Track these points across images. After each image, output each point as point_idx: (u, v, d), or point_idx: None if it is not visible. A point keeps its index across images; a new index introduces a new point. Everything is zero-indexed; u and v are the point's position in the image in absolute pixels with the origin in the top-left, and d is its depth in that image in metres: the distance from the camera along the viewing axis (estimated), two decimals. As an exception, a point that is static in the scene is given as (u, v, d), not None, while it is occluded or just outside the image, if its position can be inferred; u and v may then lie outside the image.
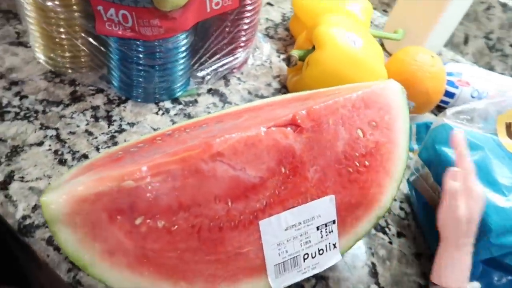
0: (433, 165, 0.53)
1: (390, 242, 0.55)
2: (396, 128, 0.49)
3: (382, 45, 0.86)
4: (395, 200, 0.61)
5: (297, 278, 0.44)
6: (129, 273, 0.36)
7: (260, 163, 0.41)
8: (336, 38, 0.60)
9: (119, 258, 0.35)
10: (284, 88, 0.71)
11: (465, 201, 0.44)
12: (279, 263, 0.43)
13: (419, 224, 0.58)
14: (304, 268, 0.45)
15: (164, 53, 0.58)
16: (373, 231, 0.56)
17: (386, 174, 0.48)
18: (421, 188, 0.56)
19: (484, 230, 0.44)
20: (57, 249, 0.47)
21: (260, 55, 0.75)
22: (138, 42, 0.56)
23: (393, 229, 0.57)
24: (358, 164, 0.46)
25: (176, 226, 0.37)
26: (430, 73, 0.66)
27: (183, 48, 0.60)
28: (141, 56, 0.58)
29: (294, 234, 0.43)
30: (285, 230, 0.42)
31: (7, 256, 0.73)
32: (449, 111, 0.54)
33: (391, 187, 0.49)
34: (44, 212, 0.33)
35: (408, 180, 0.59)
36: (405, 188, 0.62)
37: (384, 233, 0.56)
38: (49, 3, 0.55)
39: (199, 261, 0.39)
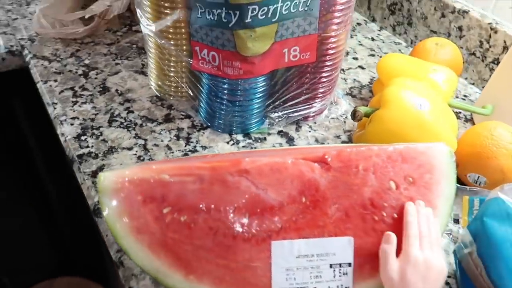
0: (479, 238, 0.50)
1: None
2: (437, 190, 0.49)
3: (471, 119, 0.83)
4: (441, 272, 0.57)
5: (302, 309, 0.46)
6: (150, 253, 0.43)
7: (282, 188, 0.45)
8: (400, 98, 0.62)
9: (144, 237, 0.42)
10: (351, 142, 0.74)
11: (400, 264, 0.43)
12: (285, 288, 0.45)
13: (463, 303, 0.54)
14: (311, 302, 0.46)
15: (242, 91, 0.67)
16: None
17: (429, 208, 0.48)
18: (467, 266, 0.53)
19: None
20: (115, 231, 0.56)
21: (336, 109, 0.80)
22: (223, 80, 0.67)
23: (429, 300, 0.54)
24: (385, 215, 0.47)
25: (195, 224, 0.43)
26: (507, 150, 0.63)
27: (260, 90, 0.68)
28: (224, 92, 0.68)
29: (305, 264, 0.45)
30: (297, 257, 0.45)
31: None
32: (507, 186, 0.51)
33: (423, 248, 0.48)
34: (98, 185, 0.42)
35: (454, 252, 0.56)
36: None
37: (419, 301, 0.53)
38: (163, 41, 0.69)
39: (210, 261, 0.44)
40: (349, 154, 0.47)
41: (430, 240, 0.45)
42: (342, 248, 0.46)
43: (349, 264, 0.46)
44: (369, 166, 0.47)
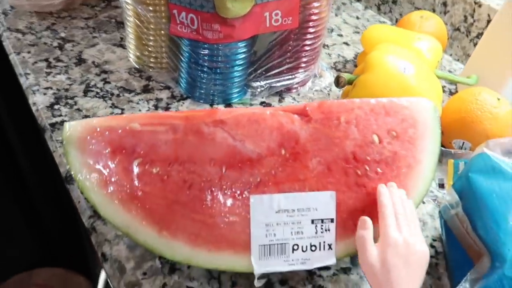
0: (464, 195, 0.49)
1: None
2: (421, 145, 0.48)
3: (456, 92, 0.82)
4: (426, 236, 0.56)
5: (283, 267, 0.44)
6: (119, 207, 0.40)
7: (260, 139, 0.43)
8: (384, 62, 0.61)
9: (113, 190, 0.40)
10: (335, 112, 0.72)
11: (379, 249, 0.40)
12: (264, 245, 0.43)
13: (448, 266, 0.52)
14: (292, 260, 0.44)
15: (223, 57, 0.65)
16: (392, 260, 0.52)
17: (402, 189, 0.46)
18: (453, 225, 0.51)
19: (497, 261, 0.39)
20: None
21: (320, 82, 0.78)
22: (203, 45, 0.64)
23: (414, 262, 0.52)
24: (368, 169, 0.45)
25: (169, 176, 0.41)
26: (492, 114, 0.62)
27: (241, 56, 0.66)
28: (205, 58, 0.66)
29: (285, 219, 0.43)
30: (276, 212, 0.43)
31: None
32: (492, 142, 0.50)
33: (407, 205, 0.46)
34: (62, 134, 0.39)
35: (439, 213, 0.54)
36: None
37: (404, 264, 0.52)
38: (141, 7, 0.67)
39: (185, 216, 0.41)
40: (330, 105, 0.45)
41: (407, 219, 0.42)
42: (324, 203, 0.44)
43: (332, 220, 0.44)
44: (351, 118, 0.45)
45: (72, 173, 0.40)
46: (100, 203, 0.40)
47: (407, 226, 0.41)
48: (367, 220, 0.42)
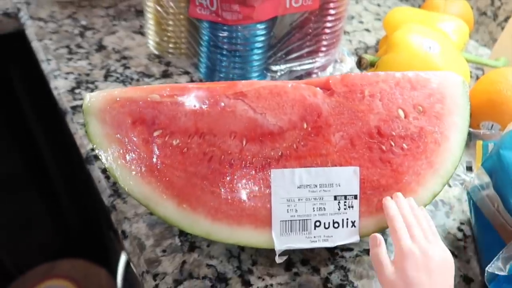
0: (495, 173, 0.46)
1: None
2: (449, 121, 0.46)
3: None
4: (453, 220, 0.54)
5: (305, 244, 0.43)
6: (139, 178, 0.40)
7: (282, 113, 0.42)
8: (408, 40, 0.59)
9: (133, 162, 0.39)
10: (357, 96, 0.70)
11: (398, 264, 0.37)
12: (286, 220, 0.42)
13: (478, 248, 0.50)
14: (314, 237, 0.43)
15: (242, 39, 0.64)
16: (417, 242, 0.50)
17: (429, 166, 0.44)
18: (483, 205, 0.49)
19: None
20: (107, 177, 0.53)
21: (341, 67, 0.77)
22: (223, 27, 0.64)
23: (441, 245, 0.50)
24: (393, 144, 0.44)
25: (189, 149, 0.40)
26: (523, 94, 0.59)
27: (260, 39, 0.65)
28: (224, 41, 0.65)
29: (307, 195, 0.42)
30: (298, 187, 0.42)
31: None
32: (525, 118, 0.48)
33: (434, 182, 0.45)
34: (83, 104, 0.39)
35: (468, 194, 0.52)
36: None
37: (430, 247, 0.50)
38: (161, -8, 0.67)
39: (205, 189, 0.41)
40: (354, 78, 0.44)
41: (421, 228, 0.39)
42: (347, 178, 0.42)
43: (355, 197, 0.43)
44: (376, 92, 0.44)
45: (92, 145, 0.39)
46: (120, 174, 0.39)
47: (421, 235, 0.38)
48: (378, 236, 0.40)
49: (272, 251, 0.43)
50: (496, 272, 0.39)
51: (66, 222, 1.32)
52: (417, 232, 0.39)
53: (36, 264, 1.30)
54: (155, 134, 0.40)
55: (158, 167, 0.40)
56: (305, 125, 0.42)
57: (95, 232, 1.27)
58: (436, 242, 0.39)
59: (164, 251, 0.46)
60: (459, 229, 0.53)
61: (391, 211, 0.41)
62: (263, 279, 0.44)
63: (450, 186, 0.58)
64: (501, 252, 0.41)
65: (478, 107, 0.62)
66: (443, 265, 0.37)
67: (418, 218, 0.40)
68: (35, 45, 0.76)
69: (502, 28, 0.86)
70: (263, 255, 0.46)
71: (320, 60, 0.72)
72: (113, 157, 0.39)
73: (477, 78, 0.80)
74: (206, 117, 0.41)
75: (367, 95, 0.44)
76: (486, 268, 0.39)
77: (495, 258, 0.40)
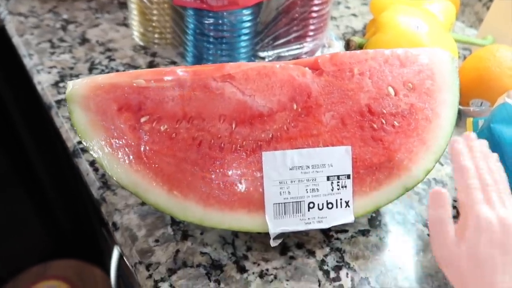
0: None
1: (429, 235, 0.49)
2: (440, 98, 0.45)
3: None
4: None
5: (300, 226, 0.42)
6: (127, 166, 0.39)
7: (271, 94, 0.41)
8: (396, 20, 0.59)
9: (121, 149, 0.38)
10: (346, 79, 0.70)
11: (465, 236, 0.31)
12: (279, 203, 0.41)
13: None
14: (308, 218, 0.42)
15: (228, 26, 0.63)
16: (412, 221, 0.50)
17: (421, 143, 0.44)
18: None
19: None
20: (96, 169, 0.52)
21: (329, 51, 0.76)
22: (208, 14, 0.63)
23: (435, 223, 0.50)
24: (384, 122, 0.43)
25: (177, 134, 0.39)
26: (511, 70, 0.59)
27: (247, 25, 0.64)
28: (210, 28, 0.64)
29: (299, 176, 0.41)
30: (290, 169, 0.41)
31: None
32: (514, 92, 0.47)
33: (427, 159, 0.44)
34: (66, 92, 0.38)
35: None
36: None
37: (425, 225, 0.50)
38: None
39: (195, 175, 0.40)
40: (342, 57, 0.43)
41: (497, 187, 0.31)
42: (340, 158, 0.42)
43: (348, 176, 0.42)
44: (365, 70, 0.43)
45: (78, 134, 0.38)
46: (107, 163, 0.38)
47: (500, 202, 0.31)
48: (443, 194, 0.33)
49: (266, 236, 0.43)
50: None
51: (56, 222, 1.31)
52: (494, 194, 0.31)
53: (28, 266, 1.29)
54: (142, 120, 0.39)
55: (147, 153, 0.39)
56: (295, 106, 0.42)
57: (86, 231, 1.26)
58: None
59: (156, 241, 0.45)
60: (453, 206, 0.53)
61: (464, 162, 0.33)
62: (259, 264, 0.44)
63: (442, 164, 0.58)
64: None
65: (467, 84, 0.62)
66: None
67: (493, 173, 0.33)
68: (16, 40, 0.74)
69: (488, 8, 0.86)
70: (258, 241, 0.46)
71: (307, 45, 0.72)
72: (99, 146, 0.38)
73: (465, 58, 0.79)
74: (193, 101, 0.40)
75: (356, 74, 0.43)
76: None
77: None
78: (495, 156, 0.35)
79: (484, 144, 0.35)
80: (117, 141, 0.38)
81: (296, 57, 0.72)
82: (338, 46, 0.78)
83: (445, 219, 0.32)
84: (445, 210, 0.33)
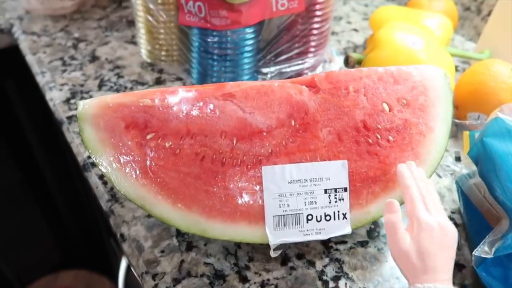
0: (481, 160, 0.48)
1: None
2: (433, 113, 0.47)
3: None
4: (445, 209, 0.55)
5: (298, 238, 0.44)
6: (134, 181, 0.41)
7: (270, 111, 0.44)
8: (392, 37, 0.61)
9: (128, 165, 0.41)
10: (346, 94, 0.72)
11: (414, 234, 0.38)
12: (279, 215, 0.43)
13: (468, 235, 0.51)
14: (307, 230, 0.44)
15: (231, 44, 0.66)
16: (409, 232, 0.52)
17: (414, 157, 0.46)
18: (470, 193, 0.50)
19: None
20: (105, 183, 0.55)
21: (331, 67, 0.78)
22: (212, 33, 0.65)
23: (432, 233, 0.51)
24: (379, 137, 0.45)
25: (181, 150, 0.42)
26: (506, 84, 0.61)
27: (250, 42, 0.67)
28: (214, 46, 0.67)
29: (298, 189, 0.43)
30: (289, 182, 0.43)
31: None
32: (506, 107, 0.49)
33: (421, 172, 0.46)
34: (77, 111, 0.41)
35: (457, 183, 0.53)
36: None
37: (422, 236, 0.51)
38: (152, 5, 0.68)
39: (199, 189, 0.42)
40: (338, 75, 0.45)
41: (433, 201, 0.40)
42: (336, 172, 0.44)
43: (345, 189, 0.44)
44: (360, 87, 0.45)
45: (88, 150, 0.41)
46: (115, 178, 0.41)
47: (436, 210, 0.39)
48: (394, 203, 0.40)
49: (268, 247, 0.44)
50: (483, 256, 0.40)
51: (67, 233, 1.33)
52: (431, 204, 0.40)
53: (39, 276, 1.31)
54: (148, 137, 0.41)
55: (152, 169, 0.41)
56: (293, 122, 0.44)
57: (96, 242, 1.28)
58: (445, 215, 0.40)
59: (162, 251, 0.47)
60: (450, 218, 0.54)
61: (408, 181, 0.41)
62: (260, 275, 0.46)
63: (440, 176, 0.59)
64: (487, 236, 0.42)
65: (464, 98, 0.63)
66: (452, 239, 0.38)
67: (428, 190, 0.41)
68: (29, 58, 0.78)
69: (486, 22, 0.88)
70: (259, 252, 0.48)
71: (309, 61, 0.74)
72: (108, 161, 0.40)
73: (464, 71, 0.81)
74: (196, 118, 0.42)
75: (351, 91, 0.45)
76: (473, 252, 0.41)
77: (481, 243, 0.42)
78: (429, 181, 0.43)
79: (422, 172, 0.44)
80: (124, 157, 0.41)
81: (298, 72, 0.74)
82: (339, 61, 0.80)
83: (397, 222, 0.39)
84: (397, 215, 0.40)
